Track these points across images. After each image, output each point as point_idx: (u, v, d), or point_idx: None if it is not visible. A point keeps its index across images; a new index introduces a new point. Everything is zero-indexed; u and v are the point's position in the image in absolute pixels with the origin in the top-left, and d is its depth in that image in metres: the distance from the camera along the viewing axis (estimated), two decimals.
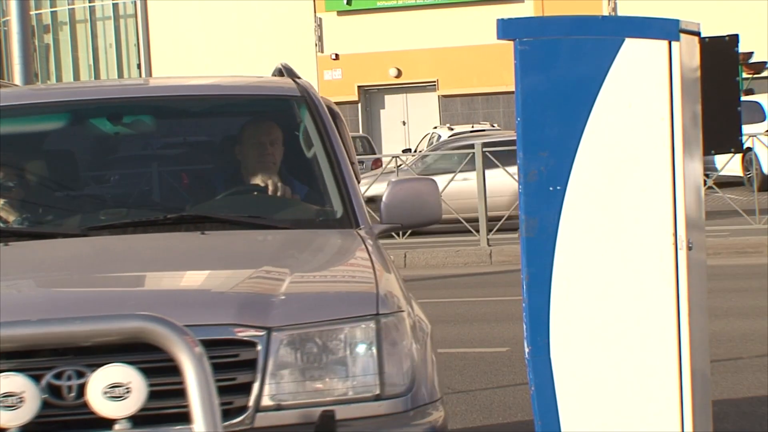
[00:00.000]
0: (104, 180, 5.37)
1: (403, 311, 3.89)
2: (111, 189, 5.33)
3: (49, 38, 44.63)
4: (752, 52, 25.58)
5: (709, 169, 19.31)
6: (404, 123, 40.39)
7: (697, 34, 5.03)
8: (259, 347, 3.64)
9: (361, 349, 3.72)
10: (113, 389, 3.40)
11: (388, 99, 40.73)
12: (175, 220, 4.76)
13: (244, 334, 3.64)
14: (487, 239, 16.89)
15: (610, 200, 4.80)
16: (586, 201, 4.81)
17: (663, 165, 4.77)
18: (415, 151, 28.77)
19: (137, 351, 3.47)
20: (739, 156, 22.55)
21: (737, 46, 5.05)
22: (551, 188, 4.81)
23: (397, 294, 3.99)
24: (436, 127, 33.12)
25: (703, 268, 5.13)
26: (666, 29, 4.75)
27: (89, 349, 3.49)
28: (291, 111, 5.33)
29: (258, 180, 5.08)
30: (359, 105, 40.32)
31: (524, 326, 4.90)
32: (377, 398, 3.74)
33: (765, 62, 27.14)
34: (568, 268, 4.82)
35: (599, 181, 4.80)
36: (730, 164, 19.91)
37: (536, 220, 4.83)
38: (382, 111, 40.86)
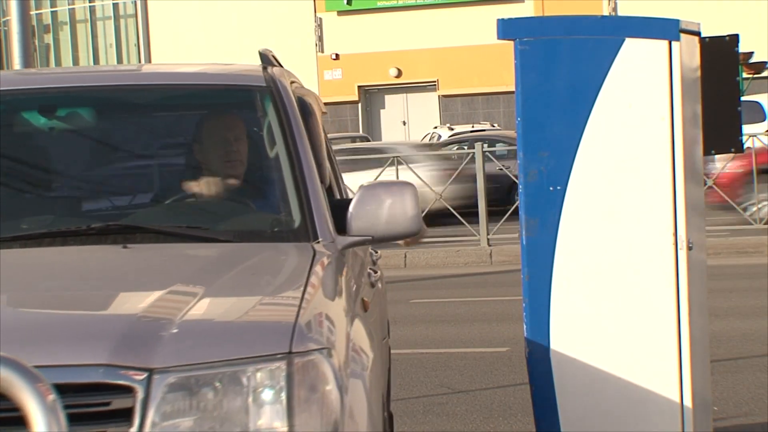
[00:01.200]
0: (29, 183, 4.63)
1: (327, 348, 3.17)
2: (34, 193, 4.61)
3: (49, 38, 44.63)
4: (752, 52, 25.55)
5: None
6: (404, 123, 40.39)
7: (698, 34, 5.03)
8: (138, 393, 2.98)
9: (267, 395, 3.05)
10: None
11: (389, 99, 40.73)
12: (100, 230, 4.10)
13: (118, 377, 2.98)
14: (488, 239, 16.89)
15: (611, 200, 4.80)
16: (586, 201, 4.81)
17: (663, 165, 4.77)
18: None
19: None
20: None
21: (737, 46, 5.06)
22: (551, 188, 4.82)
23: (327, 325, 3.32)
24: (436, 127, 33.15)
25: (703, 268, 5.13)
26: (666, 29, 4.75)
27: None
28: (253, 103, 4.62)
29: (221, 183, 4.45)
30: (359, 105, 40.32)
31: (524, 326, 4.90)
32: None
33: (765, 62, 27.09)
34: (568, 268, 4.82)
35: (599, 181, 4.80)
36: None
37: (536, 220, 4.84)
38: (382, 111, 40.86)
